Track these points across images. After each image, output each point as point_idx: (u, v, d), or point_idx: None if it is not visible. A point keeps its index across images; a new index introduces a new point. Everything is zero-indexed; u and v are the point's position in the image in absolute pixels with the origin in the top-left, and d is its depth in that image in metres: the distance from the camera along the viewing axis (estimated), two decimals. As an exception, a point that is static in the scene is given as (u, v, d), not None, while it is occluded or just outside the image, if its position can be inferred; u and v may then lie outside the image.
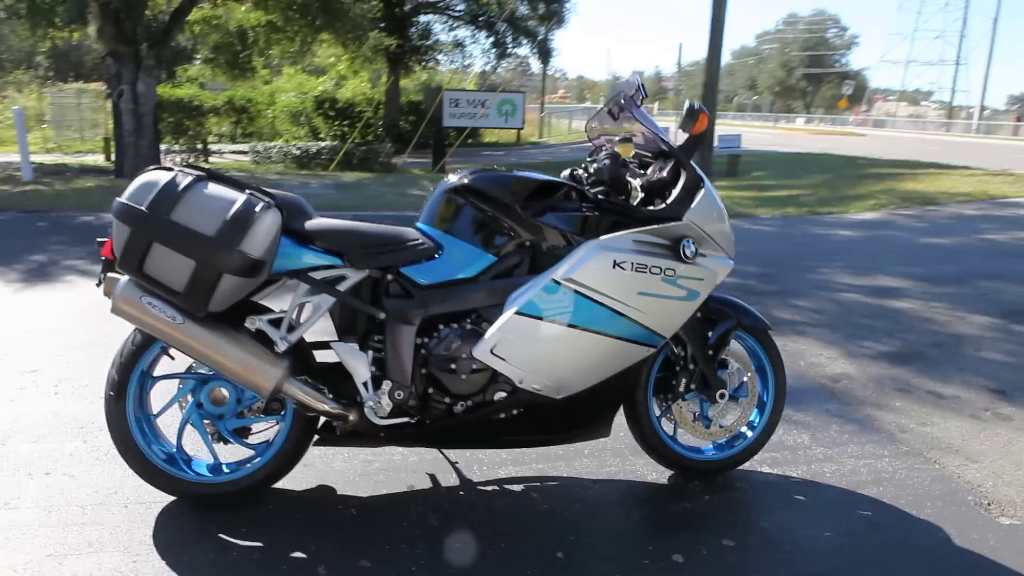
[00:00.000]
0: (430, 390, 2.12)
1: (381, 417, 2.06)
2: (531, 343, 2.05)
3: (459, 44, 22.62)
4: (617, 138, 2.25)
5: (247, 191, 1.91)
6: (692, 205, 2.17)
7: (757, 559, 2.05)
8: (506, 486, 2.37)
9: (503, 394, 2.12)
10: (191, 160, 13.71)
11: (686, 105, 2.12)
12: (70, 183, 9.46)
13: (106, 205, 7.88)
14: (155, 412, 2.14)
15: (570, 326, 2.06)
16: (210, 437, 2.12)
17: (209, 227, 1.81)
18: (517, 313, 2.04)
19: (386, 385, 2.07)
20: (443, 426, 2.12)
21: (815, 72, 55.95)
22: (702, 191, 2.20)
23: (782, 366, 2.51)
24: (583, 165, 2.41)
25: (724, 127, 20.78)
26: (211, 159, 14.87)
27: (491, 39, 22.13)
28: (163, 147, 13.15)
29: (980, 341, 4.10)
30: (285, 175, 10.91)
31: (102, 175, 11.03)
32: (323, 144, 15.03)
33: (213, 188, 1.89)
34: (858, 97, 55.63)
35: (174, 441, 2.15)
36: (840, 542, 2.16)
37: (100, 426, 2.62)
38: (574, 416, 2.23)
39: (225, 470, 2.13)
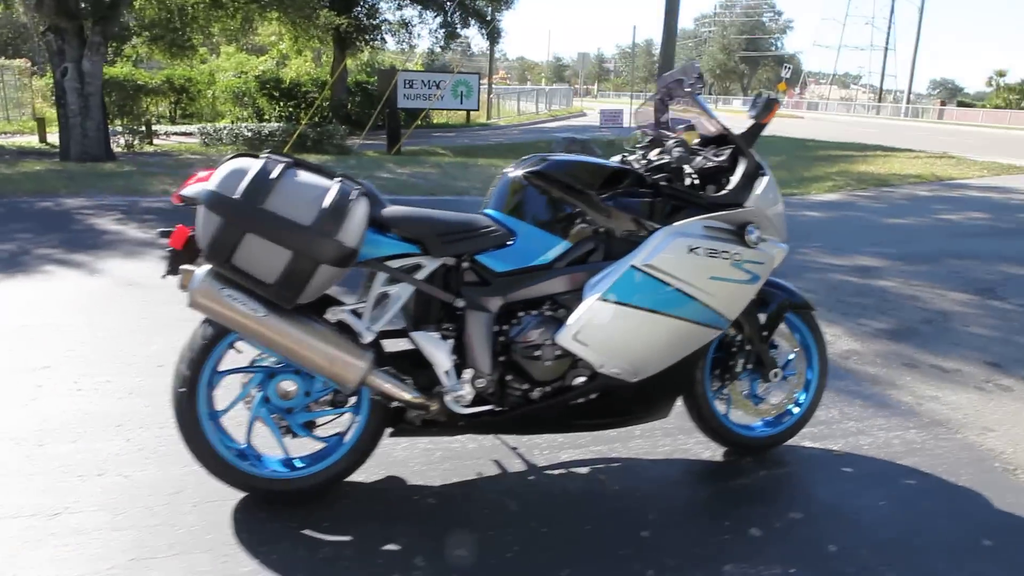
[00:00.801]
0: (508, 377, 2.12)
1: (463, 406, 2.05)
2: (612, 328, 2.07)
3: (406, 24, 22.23)
4: (682, 126, 2.28)
5: (337, 178, 1.87)
6: (756, 191, 2.23)
7: (828, 529, 2.14)
8: (572, 469, 2.40)
9: (582, 379, 2.14)
10: (134, 142, 13.10)
11: (763, 94, 2.17)
12: (14, 167, 8.93)
13: (63, 190, 7.63)
14: (221, 408, 2.07)
15: (649, 311, 2.09)
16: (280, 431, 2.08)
17: (306, 216, 1.75)
18: (600, 299, 2.05)
19: (467, 373, 2.06)
20: (522, 413, 2.13)
21: (753, 55, 57.28)
22: (766, 178, 2.25)
23: (824, 344, 2.61)
24: (628, 152, 2.44)
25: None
26: (155, 141, 14.23)
27: (439, 19, 21.85)
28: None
29: (964, 317, 4.33)
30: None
31: (45, 158, 10.46)
32: (276, 126, 14.59)
33: (304, 176, 1.84)
34: (793, 81, 57.23)
35: (241, 437, 2.09)
36: (895, 509, 2.27)
37: (139, 423, 2.55)
38: (643, 399, 2.27)
39: (299, 465, 2.09)
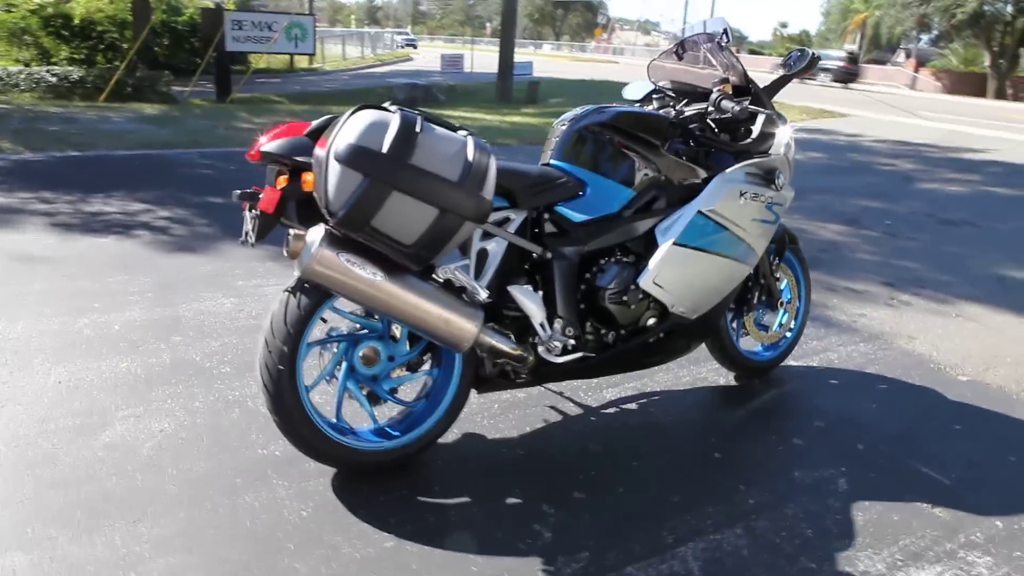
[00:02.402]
0: (591, 323, 2.20)
1: (556, 355, 2.11)
2: (683, 270, 2.22)
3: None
4: (717, 79, 2.42)
5: (461, 130, 1.80)
6: (783, 140, 2.44)
7: (848, 431, 2.48)
8: (621, 406, 2.55)
9: (654, 320, 2.27)
10: None
11: (806, 51, 2.35)
12: None
13: None
14: (310, 384, 1.95)
15: (711, 252, 2.26)
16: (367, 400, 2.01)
17: (452, 172, 1.68)
18: (675, 244, 2.18)
19: (558, 323, 2.11)
20: (608, 356, 2.22)
21: (565, 0, 58.81)
22: (788, 127, 2.47)
23: (809, 274, 2.94)
24: (646, 102, 2.58)
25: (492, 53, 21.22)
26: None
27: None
28: None
29: (849, 245, 4.99)
30: (46, 106, 9.14)
31: None
32: (86, 71, 12.78)
33: (439, 129, 1.75)
34: (603, 26, 59.58)
35: (329, 412, 1.99)
36: (885, 410, 2.67)
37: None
38: (697, 334, 2.45)
39: (395, 433, 2.03)
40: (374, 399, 2.03)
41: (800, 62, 2.38)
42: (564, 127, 2.28)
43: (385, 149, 1.62)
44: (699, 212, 2.23)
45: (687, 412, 2.57)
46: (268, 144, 1.78)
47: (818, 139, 9.93)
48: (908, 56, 41.41)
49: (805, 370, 2.99)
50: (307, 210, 1.84)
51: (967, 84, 32.00)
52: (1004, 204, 6.87)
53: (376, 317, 2.00)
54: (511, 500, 1.97)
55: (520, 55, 16.13)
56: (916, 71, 35.42)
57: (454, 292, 1.92)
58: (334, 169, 1.62)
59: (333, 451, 1.93)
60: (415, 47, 39.97)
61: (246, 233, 1.86)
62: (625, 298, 2.17)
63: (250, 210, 1.86)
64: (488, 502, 1.96)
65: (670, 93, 2.66)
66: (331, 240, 1.72)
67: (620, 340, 2.26)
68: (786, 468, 2.24)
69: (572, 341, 2.10)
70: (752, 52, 47.54)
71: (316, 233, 1.73)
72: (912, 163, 9.10)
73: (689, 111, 2.44)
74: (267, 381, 1.81)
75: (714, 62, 2.52)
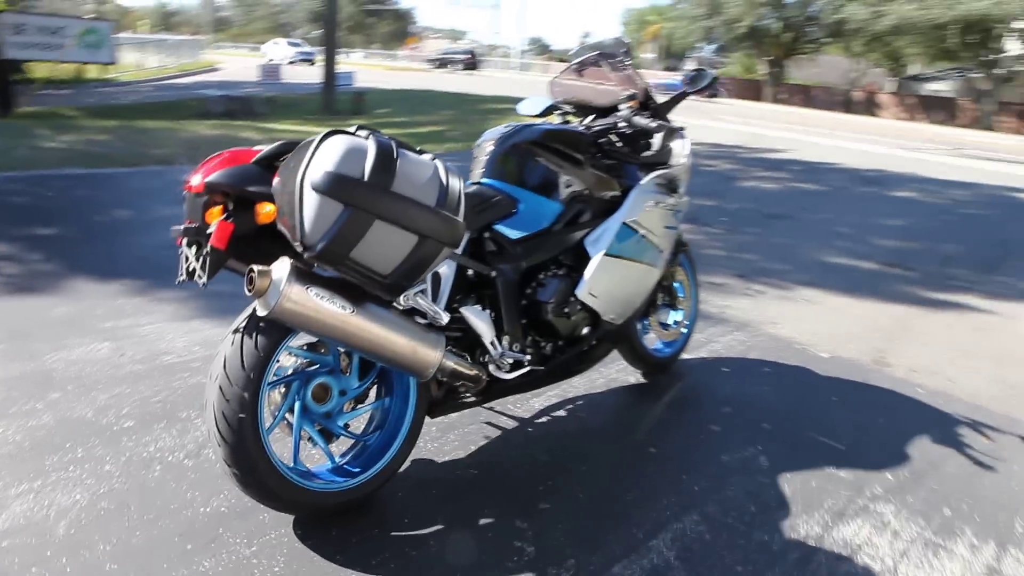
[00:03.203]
0: (530, 337, 2.24)
1: (506, 372, 2.13)
2: (613, 279, 2.33)
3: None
4: (624, 96, 2.57)
5: (425, 154, 1.75)
6: (685, 151, 2.64)
7: (754, 413, 2.74)
8: (552, 414, 2.62)
9: (587, 328, 2.36)
10: None
11: (705, 72, 2.54)
12: None
13: None
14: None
15: (634, 260, 2.40)
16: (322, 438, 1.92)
17: (430, 197, 1.63)
18: (606, 255, 2.28)
19: (506, 340, 2.13)
20: (551, 368, 2.27)
21: (374, 8, 58.17)
22: (686, 139, 2.67)
23: (696, 273, 3.20)
24: (558, 118, 2.68)
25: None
26: None
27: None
28: None
29: (697, 242, 5.42)
30: None
31: None
32: None
33: (411, 154, 1.69)
34: (413, 34, 59.70)
35: (286, 456, 1.87)
36: (775, 391, 2.98)
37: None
38: (618, 338, 2.57)
39: (355, 469, 1.94)
40: (327, 436, 1.93)
41: (699, 82, 2.58)
42: (492, 146, 2.30)
43: (366, 177, 1.55)
44: (623, 223, 2.35)
45: (612, 412, 2.69)
46: (214, 175, 1.64)
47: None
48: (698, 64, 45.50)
49: (698, 362, 3.24)
50: (245, 245, 1.72)
51: (748, 90, 35.99)
52: (811, 198, 7.84)
53: (324, 351, 1.90)
54: (483, 520, 1.97)
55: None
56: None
57: (413, 318, 1.88)
58: (311, 199, 1.52)
59: (299, 497, 1.81)
60: (311, 62, 33.77)
61: (189, 272, 1.69)
62: (566, 310, 2.24)
63: (189, 246, 1.70)
64: (462, 526, 1.94)
65: (569, 109, 2.78)
66: (299, 275, 1.62)
67: (558, 351, 2.32)
68: (714, 453, 2.43)
69: (527, 356, 2.13)
70: (561, 60, 49.97)
71: (282, 268, 1.62)
72: (730, 163, 10.10)
73: (597, 127, 2.57)
74: (225, 432, 1.66)
75: (616, 79, 2.66)
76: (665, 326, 3.00)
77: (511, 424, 2.51)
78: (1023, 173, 11.21)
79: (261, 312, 1.62)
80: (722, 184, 8.22)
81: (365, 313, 1.71)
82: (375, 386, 2.04)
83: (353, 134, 1.63)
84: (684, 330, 3.12)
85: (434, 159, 1.74)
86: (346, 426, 1.98)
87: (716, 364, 3.23)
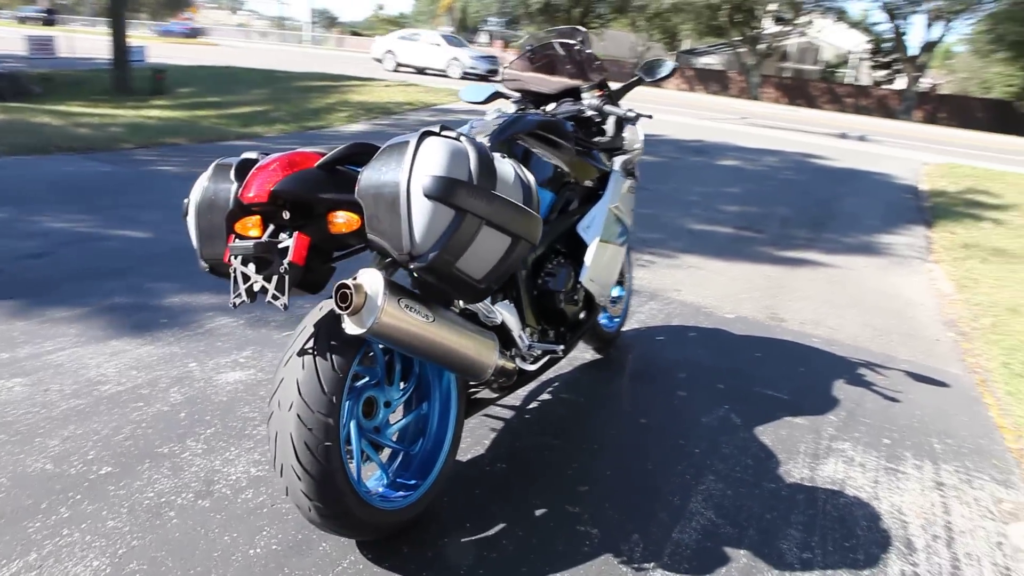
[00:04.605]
0: (542, 326, 2.28)
1: (530, 363, 2.16)
2: (604, 263, 2.43)
3: None
4: (588, 85, 2.64)
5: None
6: (639, 136, 2.78)
7: (706, 377, 3.00)
8: (540, 398, 2.68)
9: (585, 312, 2.44)
10: None
11: (664, 61, 2.66)
12: None
13: None
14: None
15: (617, 244, 2.51)
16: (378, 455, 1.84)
17: (519, 197, 1.59)
18: (600, 241, 2.37)
19: (527, 331, 2.15)
20: (563, 352, 2.32)
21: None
22: (639, 123, 2.81)
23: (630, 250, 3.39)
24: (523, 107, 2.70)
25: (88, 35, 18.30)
26: None
27: None
28: None
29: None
30: None
31: None
32: None
33: (495, 152, 1.62)
34: (186, 3, 54.58)
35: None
36: (712, 352, 3.28)
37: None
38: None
39: (412, 481, 1.88)
40: (377, 451, 1.85)
41: (659, 71, 2.70)
42: (486, 138, 2.27)
43: (475, 180, 1.49)
44: (609, 209, 2.45)
45: (590, 390, 2.81)
46: (283, 182, 1.49)
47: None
48: (491, 38, 46.43)
49: (634, 333, 3.46)
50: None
51: (544, 64, 37.36)
52: (652, 169, 8.43)
53: (373, 363, 1.81)
54: (538, 512, 2.00)
55: (93, 35, 13.93)
56: (503, 51, 40.06)
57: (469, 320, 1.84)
58: (423, 206, 1.43)
59: (380, 520, 1.72)
60: (49, 23, 30.68)
61: (250, 292, 1.52)
62: (575, 297, 2.31)
63: (245, 263, 1.53)
64: (523, 521, 1.95)
65: (515, 96, 2.80)
66: (391, 287, 1.53)
67: (560, 337, 2.39)
68: (695, 417, 2.64)
69: (560, 347, 2.17)
70: (354, 34, 48.52)
71: (374, 281, 1.51)
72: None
73: (562, 113, 2.62)
74: (309, 463, 1.54)
75: (573, 66, 2.72)
76: (613, 301, 3.16)
77: (506, 414, 2.54)
78: (812, 140, 12.87)
79: (355, 330, 1.50)
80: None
81: (442, 320, 1.66)
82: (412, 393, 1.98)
83: (439, 133, 1.55)
84: (624, 306, 3.31)
85: (504, 155, 1.71)
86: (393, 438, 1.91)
87: (650, 334, 3.46)
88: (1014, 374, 3.28)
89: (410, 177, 1.45)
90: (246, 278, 1.53)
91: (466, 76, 21.00)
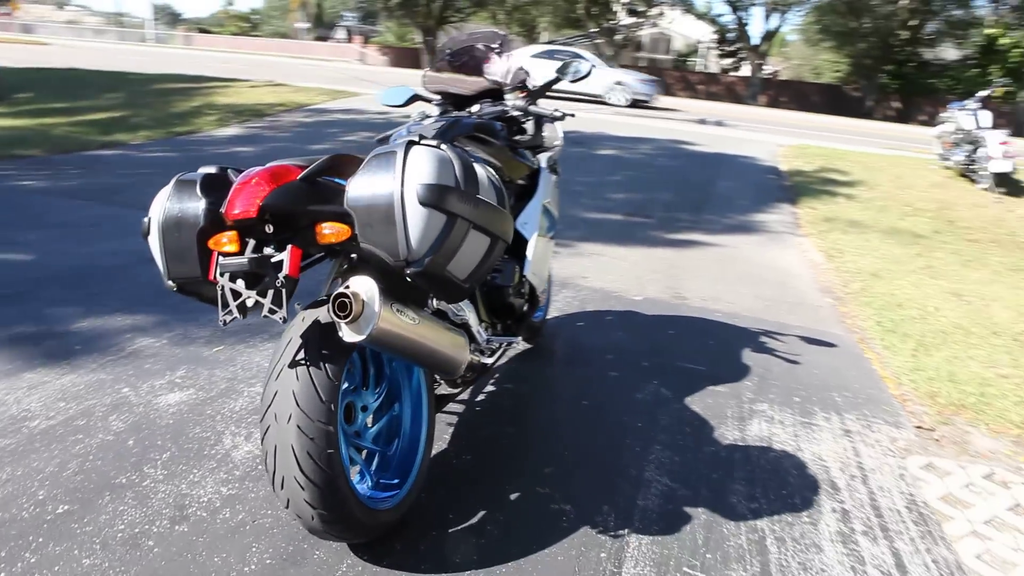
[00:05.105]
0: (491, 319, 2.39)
1: (488, 357, 2.26)
2: (541, 256, 2.57)
3: None
4: (509, 85, 2.75)
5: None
6: (559, 133, 2.93)
7: (629, 358, 3.22)
8: (486, 390, 2.78)
9: (527, 304, 2.57)
10: None
11: (583, 63, 2.80)
12: None
13: None
14: None
15: (549, 237, 2.65)
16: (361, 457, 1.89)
17: (494, 198, 1.68)
18: (539, 236, 2.50)
19: (482, 326, 2.25)
20: (509, 345, 2.43)
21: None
22: (558, 121, 2.96)
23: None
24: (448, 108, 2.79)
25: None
26: None
27: None
28: None
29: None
30: None
31: None
32: None
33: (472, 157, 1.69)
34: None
35: None
36: (630, 334, 3.51)
37: None
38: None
39: (395, 481, 1.93)
40: (359, 454, 1.89)
41: (577, 73, 2.84)
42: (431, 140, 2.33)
43: (462, 186, 1.57)
44: (543, 205, 2.58)
45: (530, 379, 2.94)
46: (271, 197, 1.49)
47: (355, 119, 10.61)
48: (349, 34, 45.42)
49: (555, 321, 3.63)
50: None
51: (407, 58, 37.09)
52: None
53: (352, 368, 1.85)
54: (513, 496, 2.11)
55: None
56: (364, 47, 39.35)
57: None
58: (417, 213, 1.49)
59: (377, 521, 1.76)
60: None
61: (242, 308, 1.52)
62: (522, 290, 2.42)
63: (233, 280, 1.53)
64: (502, 507, 2.05)
65: (435, 98, 2.87)
66: (384, 293, 1.58)
67: (509, 329, 2.50)
68: (630, 394, 2.84)
69: (518, 338, 2.28)
70: (202, 31, 45.97)
71: (368, 288, 1.55)
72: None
73: (488, 114, 2.72)
74: (313, 473, 1.56)
75: (495, 67, 2.82)
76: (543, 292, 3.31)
77: (459, 408, 2.62)
78: (677, 127, 13.62)
79: (354, 338, 1.54)
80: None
81: (425, 321, 1.73)
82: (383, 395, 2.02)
83: (421, 143, 1.61)
84: (547, 294, 3.47)
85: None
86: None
87: (570, 321, 3.65)
88: (886, 331, 3.74)
89: (403, 186, 1.51)
90: (236, 295, 1.53)
91: (636, 104, 17.53)
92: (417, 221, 1.51)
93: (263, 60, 26.34)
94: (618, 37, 31.62)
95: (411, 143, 1.59)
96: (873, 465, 2.45)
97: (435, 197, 1.52)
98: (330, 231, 1.58)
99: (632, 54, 33.84)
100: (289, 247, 1.54)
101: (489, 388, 2.81)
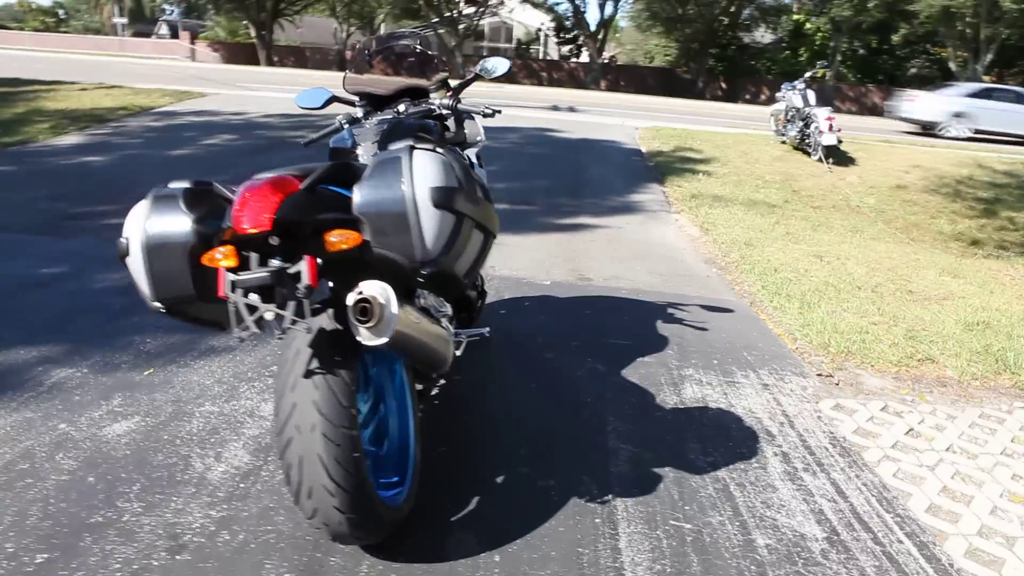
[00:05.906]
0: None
1: (457, 348, 2.34)
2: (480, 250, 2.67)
3: None
4: (434, 84, 2.80)
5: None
6: (480, 129, 3.02)
7: (559, 340, 3.40)
8: (439, 381, 2.84)
9: (479, 296, 2.67)
10: None
11: (502, 61, 2.89)
12: None
13: None
14: None
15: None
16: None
17: (484, 194, 1.75)
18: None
19: (448, 320, 2.33)
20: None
21: None
22: (478, 117, 3.05)
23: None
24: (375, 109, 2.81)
25: None
26: None
27: None
28: None
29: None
30: None
31: None
32: None
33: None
34: None
35: None
36: (553, 318, 3.70)
37: None
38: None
39: (395, 479, 1.97)
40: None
41: (498, 70, 2.93)
42: (376, 148, 2.35)
43: (464, 186, 1.63)
44: (481, 200, 2.68)
45: (478, 367, 3.03)
46: (282, 209, 1.49)
47: (210, 121, 10.01)
48: (173, 29, 42.45)
49: (494, 304, 3.74)
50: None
51: (241, 54, 35.23)
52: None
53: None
54: (500, 478, 2.21)
55: None
56: (193, 43, 36.92)
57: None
58: (432, 215, 1.55)
59: (392, 520, 1.81)
60: None
61: (260, 323, 1.50)
62: (476, 283, 2.52)
63: (246, 294, 1.51)
64: (497, 491, 2.15)
65: (354, 100, 2.88)
66: (397, 295, 1.62)
67: (464, 322, 2.59)
68: (571, 373, 3.02)
69: (486, 329, 2.36)
70: (3, 28, 41.14)
71: (385, 291, 1.58)
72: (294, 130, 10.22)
73: (414, 113, 2.77)
74: (342, 478, 1.59)
75: (414, 67, 2.86)
76: (472, 288, 3.41)
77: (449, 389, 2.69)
78: (534, 115, 13.96)
79: (373, 341, 1.57)
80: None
81: (425, 320, 1.79)
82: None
83: (421, 147, 1.66)
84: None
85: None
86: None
87: (493, 309, 3.77)
88: (772, 293, 4.19)
89: (414, 190, 1.56)
90: (251, 309, 1.52)
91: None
92: (431, 223, 1.57)
93: (80, 59, 24.02)
94: (461, 27, 31.82)
95: (411, 148, 1.65)
96: (794, 411, 2.79)
97: (446, 199, 1.59)
98: (339, 239, 1.60)
99: (474, 43, 34.20)
100: (306, 257, 1.55)
101: (440, 380, 2.88)
